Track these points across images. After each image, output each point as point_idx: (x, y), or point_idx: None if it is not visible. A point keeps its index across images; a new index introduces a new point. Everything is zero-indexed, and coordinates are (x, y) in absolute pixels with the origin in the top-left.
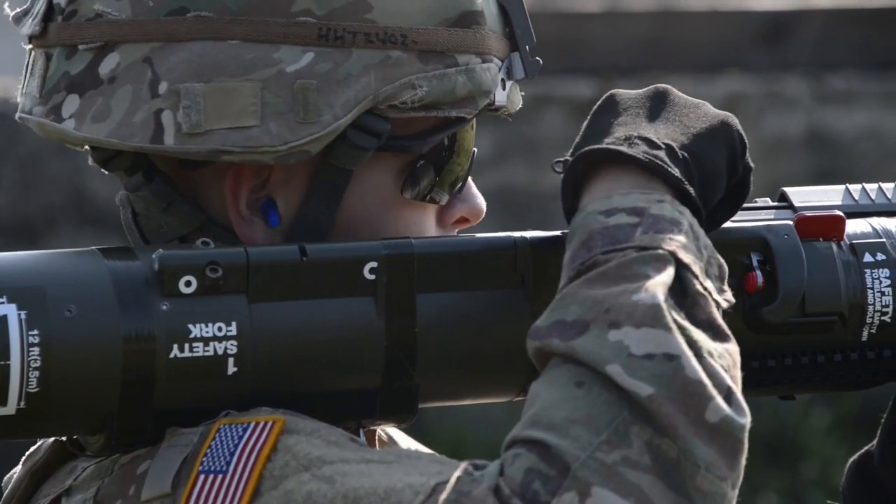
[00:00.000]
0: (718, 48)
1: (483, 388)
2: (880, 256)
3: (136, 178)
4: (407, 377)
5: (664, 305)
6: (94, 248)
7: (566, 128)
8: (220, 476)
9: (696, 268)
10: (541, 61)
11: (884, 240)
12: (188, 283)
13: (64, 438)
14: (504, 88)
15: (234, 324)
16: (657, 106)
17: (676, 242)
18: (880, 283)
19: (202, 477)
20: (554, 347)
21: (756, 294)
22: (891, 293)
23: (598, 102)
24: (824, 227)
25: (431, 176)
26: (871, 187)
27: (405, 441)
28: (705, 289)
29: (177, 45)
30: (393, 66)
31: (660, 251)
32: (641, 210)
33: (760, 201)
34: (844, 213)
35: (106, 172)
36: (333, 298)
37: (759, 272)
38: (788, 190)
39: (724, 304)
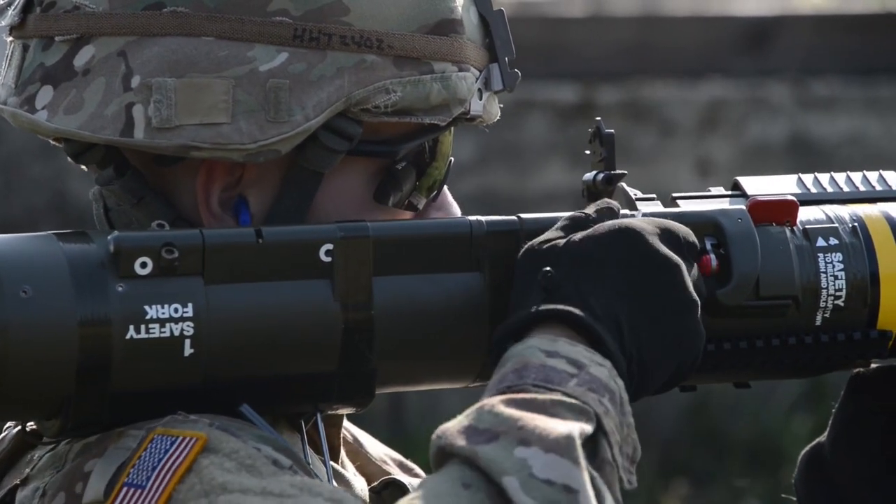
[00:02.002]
0: (702, 54)
1: (440, 373)
2: (833, 241)
3: (108, 171)
4: (364, 360)
5: (578, 441)
6: (49, 232)
7: (549, 133)
8: (139, 491)
9: (613, 438)
10: (520, 73)
11: (836, 225)
12: (144, 265)
13: (25, 428)
14: (481, 98)
15: (190, 305)
16: (629, 272)
17: (604, 407)
18: (833, 267)
19: (125, 489)
20: (457, 448)
21: (710, 277)
22: (843, 277)
23: (556, 247)
24: (777, 211)
25: (413, 180)
26: (824, 177)
27: (370, 443)
28: (615, 461)
29: (151, 40)
30: (367, 70)
31: (587, 407)
32: (582, 364)
33: (714, 190)
34: (798, 200)
35: (84, 168)
36: (289, 280)
37: (713, 255)
38: (742, 179)
39: (627, 486)
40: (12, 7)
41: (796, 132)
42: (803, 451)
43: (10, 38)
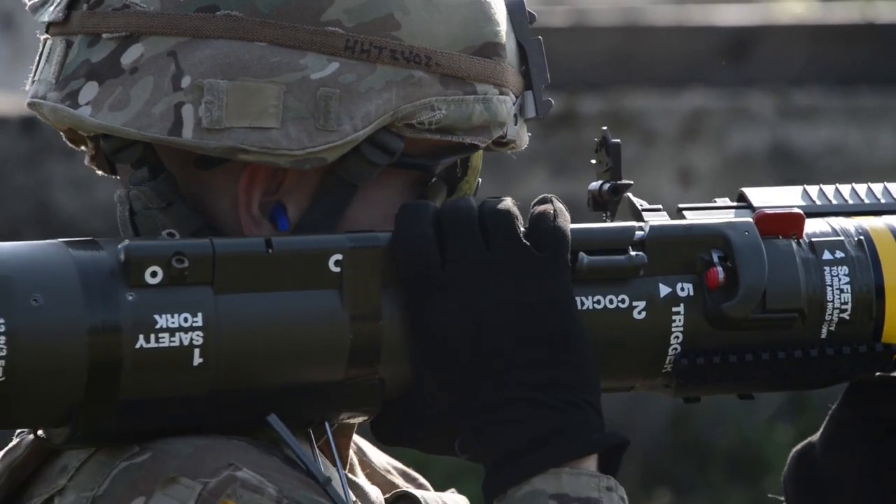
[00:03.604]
0: (683, 63)
1: None
2: (839, 254)
3: (142, 172)
4: (372, 371)
5: None
6: (59, 240)
7: (531, 142)
8: None
9: None
10: (553, 102)
11: (842, 238)
12: (154, 274)
13: (40, 434)
14: (516, 124)
15: (199, 314)
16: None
17: None
18: (839, 280)
19: None
20: None
21: (717, 290)
22: (849, 290)
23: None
24: (784, 224)
25: (444, 196)
26: (829, 189)
27: (373, 452)
28: None
29: (203, 42)
30: (415, 86)
31: None
32: (596, 503)
33: (720, 201)
34: (804, 213)
35: (99, 173)
36: (299, 291)
37: (719, 268)
38: (747, 190)
39: None
40: (53, 4)
41: (777, 142)
42: (795, 448)
43: (47, 35)
